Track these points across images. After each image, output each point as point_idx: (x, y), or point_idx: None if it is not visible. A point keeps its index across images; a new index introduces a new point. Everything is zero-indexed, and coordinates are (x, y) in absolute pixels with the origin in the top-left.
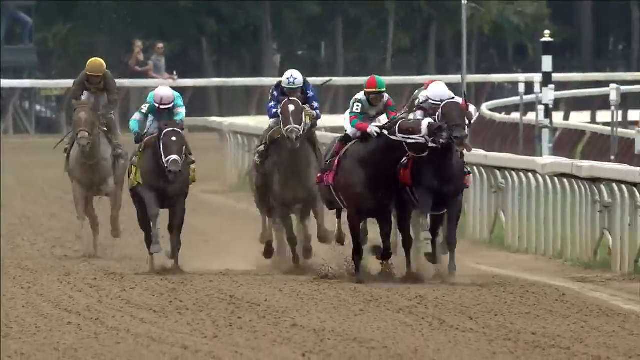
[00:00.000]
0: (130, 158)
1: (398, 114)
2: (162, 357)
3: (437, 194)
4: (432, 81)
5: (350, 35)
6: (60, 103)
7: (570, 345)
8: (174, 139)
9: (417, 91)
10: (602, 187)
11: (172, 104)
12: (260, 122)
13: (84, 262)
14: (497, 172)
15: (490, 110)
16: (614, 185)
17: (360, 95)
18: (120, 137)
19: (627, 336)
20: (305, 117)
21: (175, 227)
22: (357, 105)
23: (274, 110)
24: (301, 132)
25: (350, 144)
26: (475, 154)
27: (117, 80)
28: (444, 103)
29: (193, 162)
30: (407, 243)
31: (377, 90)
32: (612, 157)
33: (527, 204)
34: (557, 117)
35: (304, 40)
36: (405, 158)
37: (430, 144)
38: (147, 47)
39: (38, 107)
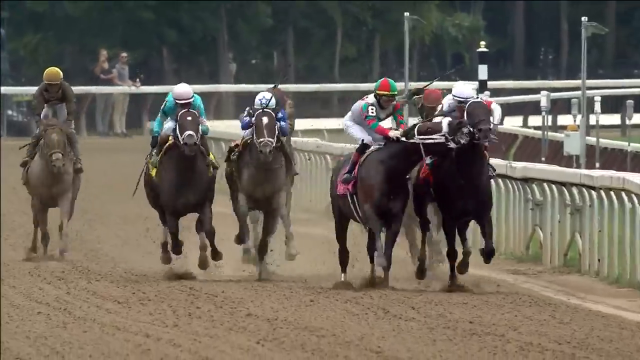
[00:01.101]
0: (146, 158)
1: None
2: (126, 344)
3: (463, 203)
4: (429, 91)
5: (301, 45)
6: (30, 108)
7: (504, 332)
8: (189, 118)
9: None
10: (534, 186)
11: (192, 98)
12: (216, 127)
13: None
14: None
15: None
16: (545, 184)
17: (371, 98)
18: (79, 150)
19: (557, 324)
20: (277, 130)
21: (205, 231)
22: (372, 109)
23: (246, 121)
24: (274, 144)
25: (369, 152)
26: None
27: (83, 88)
28: (469, 103)
29: (213, 164)
30: (452, 254)
31: (391, 93)
32: (543, 159)
33: None
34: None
35: (257, 49)
36: (432, 159)
37: (450, 144)
38: (111, 56)
39: (10, 112)
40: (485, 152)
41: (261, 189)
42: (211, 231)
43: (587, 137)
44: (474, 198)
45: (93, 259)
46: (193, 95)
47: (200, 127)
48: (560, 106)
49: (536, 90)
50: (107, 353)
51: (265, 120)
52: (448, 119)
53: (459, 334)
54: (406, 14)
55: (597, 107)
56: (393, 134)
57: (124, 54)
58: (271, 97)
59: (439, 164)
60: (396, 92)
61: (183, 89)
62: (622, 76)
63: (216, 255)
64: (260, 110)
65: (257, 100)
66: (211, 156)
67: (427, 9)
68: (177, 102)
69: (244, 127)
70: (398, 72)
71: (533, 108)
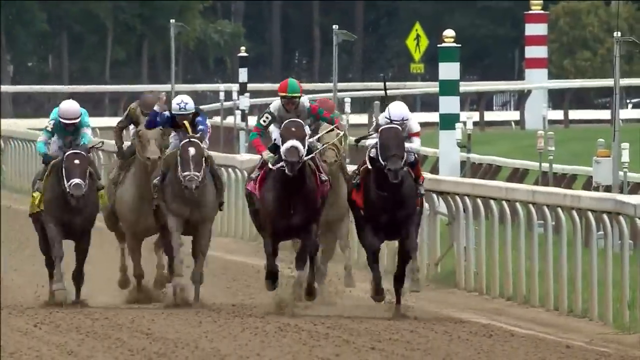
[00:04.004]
0: (33, 182)
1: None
2: None
3: (388, 222)
4: (321, 100)
5: (74, 48)
6: None
7: (264, 314)
8: (76, 161)
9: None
10: None
11: (79, 119)
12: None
13: None
14: None
15: None
16: None
17: (275, 104)
18: None
19: (312, 306)
20: (204, 161)
21: (79, 258)
22: (266, 118)
23: (155, 119)
24: (200, 179)
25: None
26: None
27: None
28: (381, 129)
29: (102, 187)
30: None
31: (289, 95)
32: None
33: (227, 194)
34: (252, 120)
35: (34, 53)
36: (357, 178)
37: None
38: None
39: None
40: (414, 170)
41: (189, 210)
42: (84, 255)
43: None
44: (398, 220)
45: None
46: (81, 114)
47: (87, 172)
48: None
49: None
50: None
51: (191, 151)
52: (290, 142)
53: (223, 317)
54: (172, 20)
55: (347, 107)
56: (265, 155)
57: None
58: (189, 101)
59: (365, 184)
60: (297, 94)
61: (70, 107)
62: (369, 79)
63: (80, 279)
64: (187, 140)
65: (174, 105)
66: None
67: (191, 15)
68: (61, 120)
69: (149, 126)
70: (165, 75)
71: None
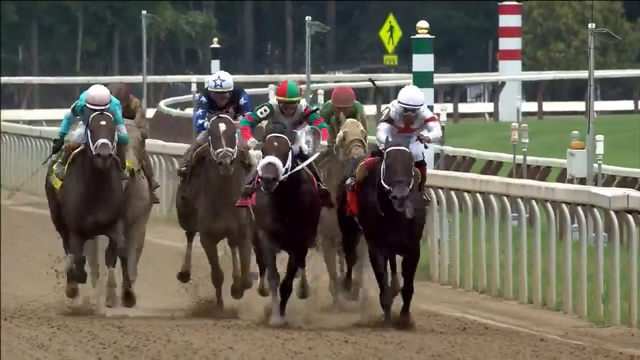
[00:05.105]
0: (50, 166)
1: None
2: None
3: (389, 234)
4: (339, 89)
5: (45, 39)
6: None
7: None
8: (102, 122)
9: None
10: None
11: (107, 105)
12: None
13: None
14: (174, 159)
15: (168, 106)
16: None
17: (274, 99)
18: None
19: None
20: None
21: (120, 249)
22: (264, 110)
23: (201, 122)
24: (235, 156)
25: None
26: (155, 144)
27: None
28: (388, 150)
29: (126, 178)
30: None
31: (288, 99)
32: None
33: None
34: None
35: (2, 44)
36: (352, 180)
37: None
38: None
39: None
40: (420, 174)
41: (222, 221)
42: (125, 248)
43: None
44: (399, 232)
45: None
46: (110, 100)
47: (116, 135)
48: None
49: (264, 84)
50: None
51: (222, 127)
52: (268, 159)
53: (195, 310)
54: (143, 11)
55: (321, 99)
56: (249, 143)
57: None
58: (227, 77)
59: (361, 188)
60: (296, 99)
61: (99, 93)
62: (343, 71)
63: (128, 298)
64: (216, 117)
65: (210, 81)
66: (129, 163)
67: (162, 6)
68: (88, 106)
69: (197, 128)
70: (136, 66)
71: (264, 100)
